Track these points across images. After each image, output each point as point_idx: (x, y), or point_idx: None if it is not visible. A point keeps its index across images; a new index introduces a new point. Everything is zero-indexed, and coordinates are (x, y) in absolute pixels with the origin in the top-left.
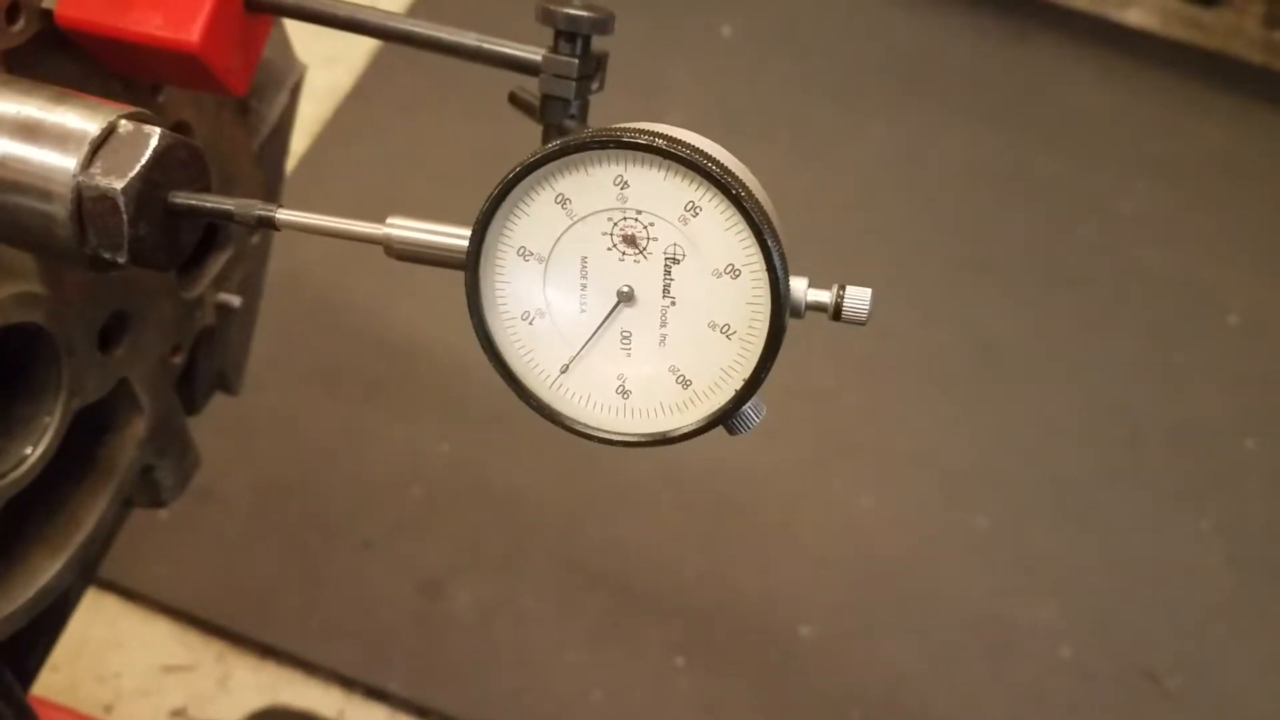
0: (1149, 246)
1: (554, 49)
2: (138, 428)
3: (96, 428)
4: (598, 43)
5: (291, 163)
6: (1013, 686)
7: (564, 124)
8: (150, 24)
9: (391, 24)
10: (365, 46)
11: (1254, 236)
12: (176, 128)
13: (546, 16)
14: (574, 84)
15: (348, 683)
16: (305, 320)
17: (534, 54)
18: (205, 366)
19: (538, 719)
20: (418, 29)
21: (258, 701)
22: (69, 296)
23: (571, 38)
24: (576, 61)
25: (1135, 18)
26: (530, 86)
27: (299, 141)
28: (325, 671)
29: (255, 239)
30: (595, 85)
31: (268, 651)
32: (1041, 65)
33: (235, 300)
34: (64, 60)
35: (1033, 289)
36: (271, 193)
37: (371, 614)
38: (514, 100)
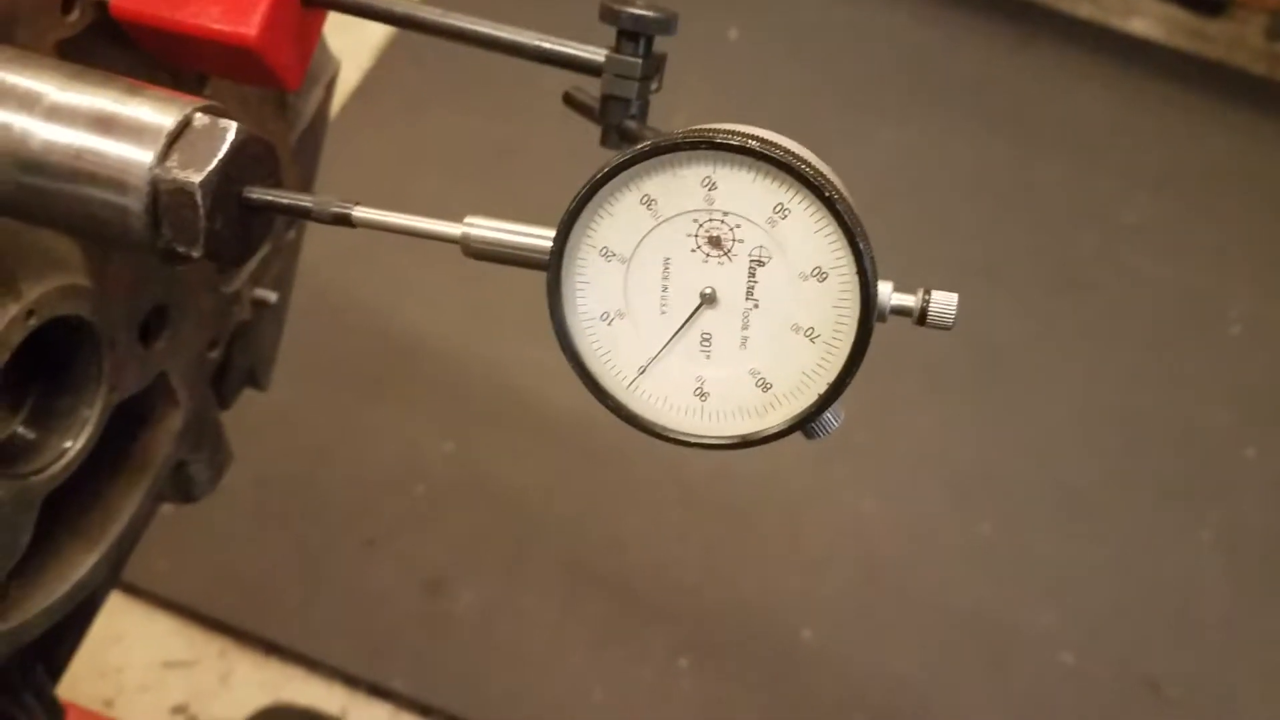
0: (1151, 255)
1: (616, 49)
2: (174, 422)
3: (133, 421)
4: (658, 43)
5: None
6: (1013, 692)
7: (624, 125)
8: (208, 16)
9: (448, 21)
10: (372, 42)
11: (1256, 247)
12: None
13: (610, 15)
14: (636, 84)
15: (351, 680)
16: (309, 316)
17: (596, 54)
18: (239, 361)
19: (540, 717)
20: (475, 27)
21: (260, 698)
22: (112, 290)
23: (635, 37)
24: (640, 62)
25: (1139, 27)
26: (585, 85)
27: None
28: (328, 669)
29: (291, 234)
30: (655, 85)
31: (270, 648)
32: (1046, 72)
33: (272, 296)
34: (113, 50)
35: (1036, 296)
36: (306, 186)
37: (374, 612)
38: (570, 101)
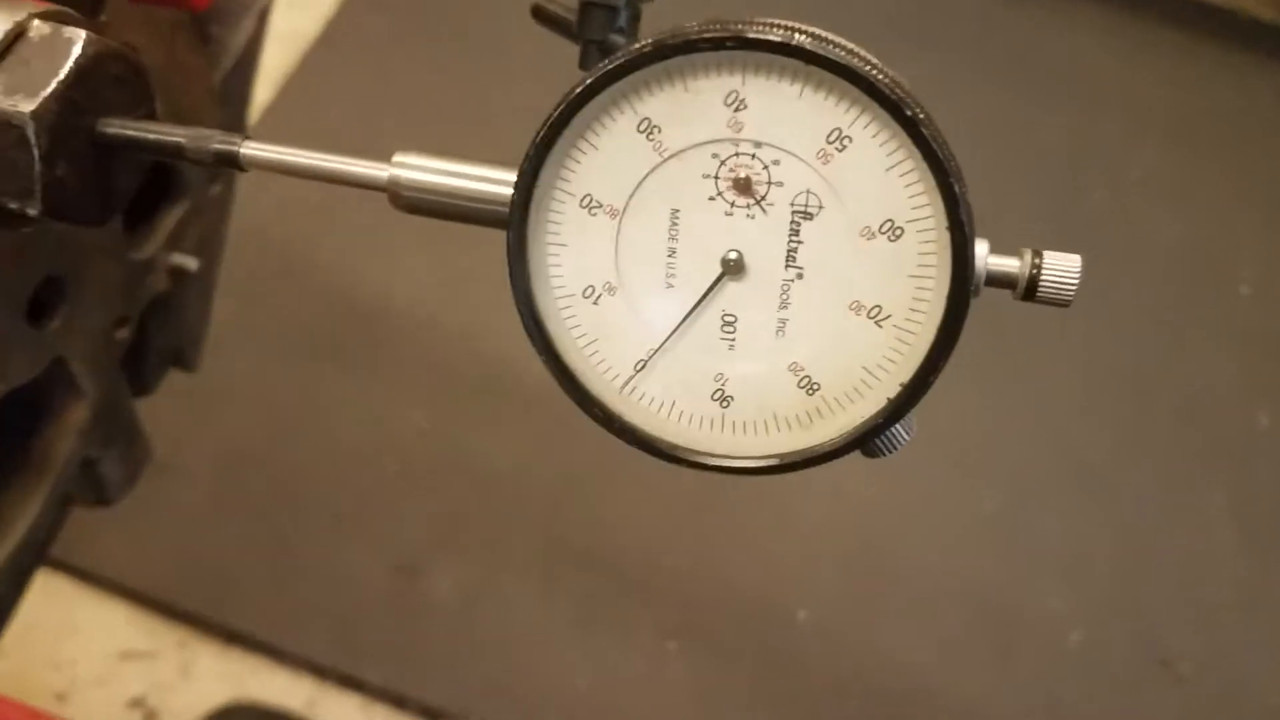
0: (1159, 210)
1: None
2: (77, 415)
3: (27, 416)
4: None
5: (254, 114)
6: (1020, 673)
7: (610, 40)
8: None
9: None
10: None
11: (1266, 201)
12: None
13: None
14: None
15: (319, 670)
16: (266, 278)
17: None
18: (158, 340)
19: (522, 708)
20: None
21: (222, 690)
22: None
23: None
24: None
25: None
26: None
27: (262, 92)
28: (295, 659)
29: (217, 188)
30: None
31: (233, 637)
32: (1049, 19)
33: (192, 263)
34: None
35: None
36: (235, 132)
37: (344, 597)
38: (539, 14)
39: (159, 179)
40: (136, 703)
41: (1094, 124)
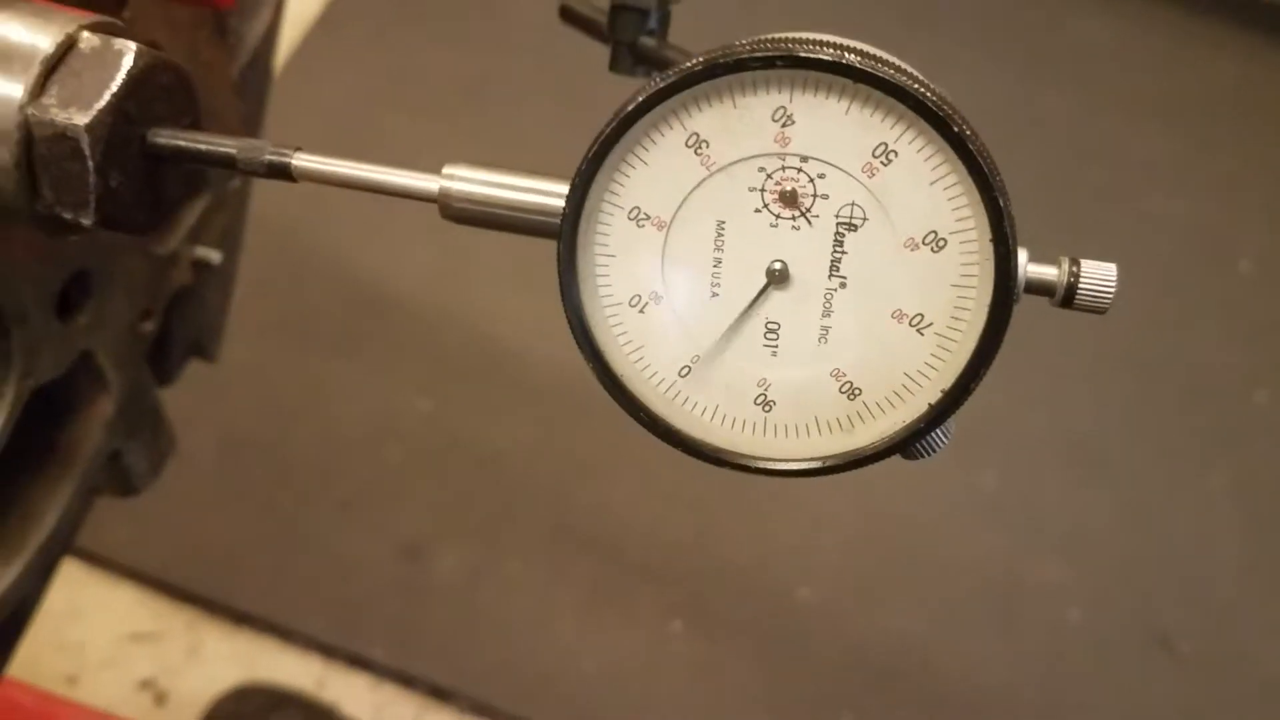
0: (1159, 190)
1: None
2: (104, 408)
3: (55, 409)
4: None
5: None
6: (1020, 650)
7: (641, 43)
8: None
9: None
10: None
11: (1266, 179)
12: None
13: None
14: None
15: (327, 650)
16: (272, 266)
17: None
18: (180, 332)
19: (527, 687)
20: None
21: (231, 671)
22: (18, 255)
23: None
24: None
25: None
26: None
27: None
28: (303, 639)
29: (236, 182)
30: None
31: (241, 618)
32: (1050, 2)
33: (215, 255)
34: None
35: (1040, 234)
36: (252, 127)
37: (350, 579)
38: (568, 15)
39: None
40: (146, 684)
41: (1095, 104)
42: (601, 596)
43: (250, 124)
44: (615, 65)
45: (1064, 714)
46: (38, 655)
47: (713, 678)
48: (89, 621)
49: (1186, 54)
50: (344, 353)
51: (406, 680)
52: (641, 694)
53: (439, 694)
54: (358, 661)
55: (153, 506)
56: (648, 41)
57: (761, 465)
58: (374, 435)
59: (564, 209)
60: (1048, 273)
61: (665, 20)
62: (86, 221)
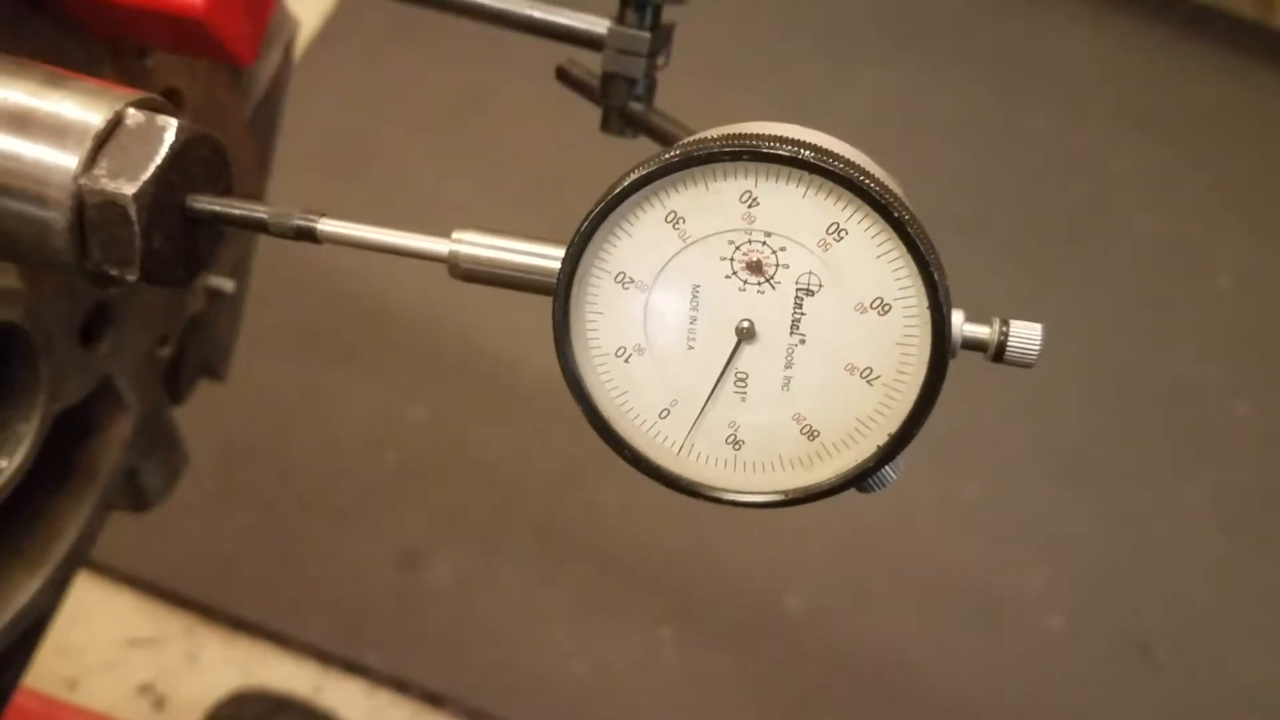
0: (1140, 204)
1: (620, 19)
2: (122, 428)
3: (77, 430)
4: (667, 13)
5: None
6: (1003, 658)
7: (629, 107)
8: None
9: None
10: None
11: (1245, 195)
12: (166, 95)
13: None
14: (644, 61)
15: (324, 656)
16: (270, 278)
17: (596, 25)
18: (192, 355)
19: (520, 692)
20: None
21: (229, 676)
22: (47, 289)
23: (641, 7)
24: (648, 36)
25: None
26: (581, 59)
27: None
28: (300, 645)
29: None
30: (662, 61)
31: (239, 625)
32: (1033, 15)
33: (229, 284)
34: (37, 19)
35: (1023, 246)
36: (263, 163)
37: (347, 585)
38: (564, 77)
39: None
40: (145, 689)
41: (1078, 119)
42: (593, 603)
43: (261, 160)
44: (606, 126)
45: (1045, 719)
46: (38, 659)
47: (702, 683)
48: (89, 626)
49: (1169, 71)
50: (340, 362)
51: (402, 686)
52: (632, 699)
53: (433, 699)
54: (354, 667)
55: (152, 514)
56: (636, 106)
57: (731, 497)
58: (370, 443)
59: (559, 274)
60: (980, 332)
61: (651, 87)
62: (131, 278)
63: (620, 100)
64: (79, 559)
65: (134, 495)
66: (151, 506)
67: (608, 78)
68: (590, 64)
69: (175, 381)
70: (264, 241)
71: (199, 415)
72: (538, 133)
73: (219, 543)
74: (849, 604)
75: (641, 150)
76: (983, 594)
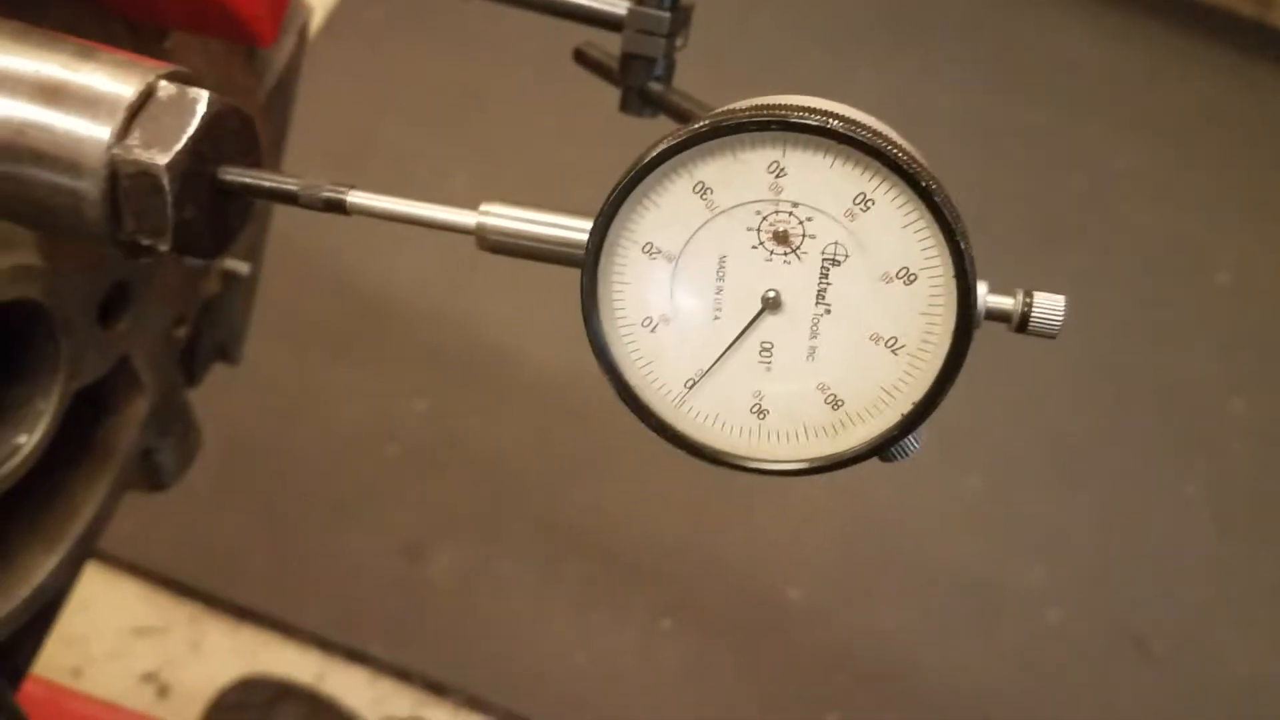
0: (1139, 202)
1: (640, 0)
2: (139, 408)
3: (94, 409)
4: None
5: None
6: (1001, 649)
7: (648, 87)
8: None
9: None
10: None
11: (1244, 193)
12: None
13: None
14: (663, 41)
15: (326, 646)
16: (272, 270)
17: (616, 6)
18: (208, 337)
19: (521, 682)
20: None
21: (233, 665)
22: (67, 267)
23: None
24: (668, 16)
25: None
26: (598, 40)
27: None
28: (303, 634)
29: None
30: (681, 41)
31: (243, 614)
32: (1033, 13)
33: (244, 267)
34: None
35: (1023, 244)
36: (278, 146)
37: (349, 576)
38: (582, 58)
39: None
40: (149, 677)
41: (1077, 117)
42: (594, 594)
43: (275, 144)
44: (625, 107)
45: (1041, 712)
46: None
47: (702, 674)
48: (93, 615)
49: (1168, 69)
50: (343, 355)
51: (404, 675)
52: (632, 689)
53: (435, 688)
54: (356, 656)
55: (157, 504)
56: (655, 86)
57: (755, 466)
58: (372, 436)
59: (587, 244)
60: (1004, 302)
61: (670, 67)
62: (163, 248)
63: (640, 81)
64: (94, 538)
65: (150, 475)
66: (167, 486)
67: (628, 58)
68: (607, 44)
69: (190, 363)
70: (270, 233)
71: (203, 406)
72: (537, 125)
73: (222, 533)
74: (849, 597)
75: (647, 134)
76: (981, 587)
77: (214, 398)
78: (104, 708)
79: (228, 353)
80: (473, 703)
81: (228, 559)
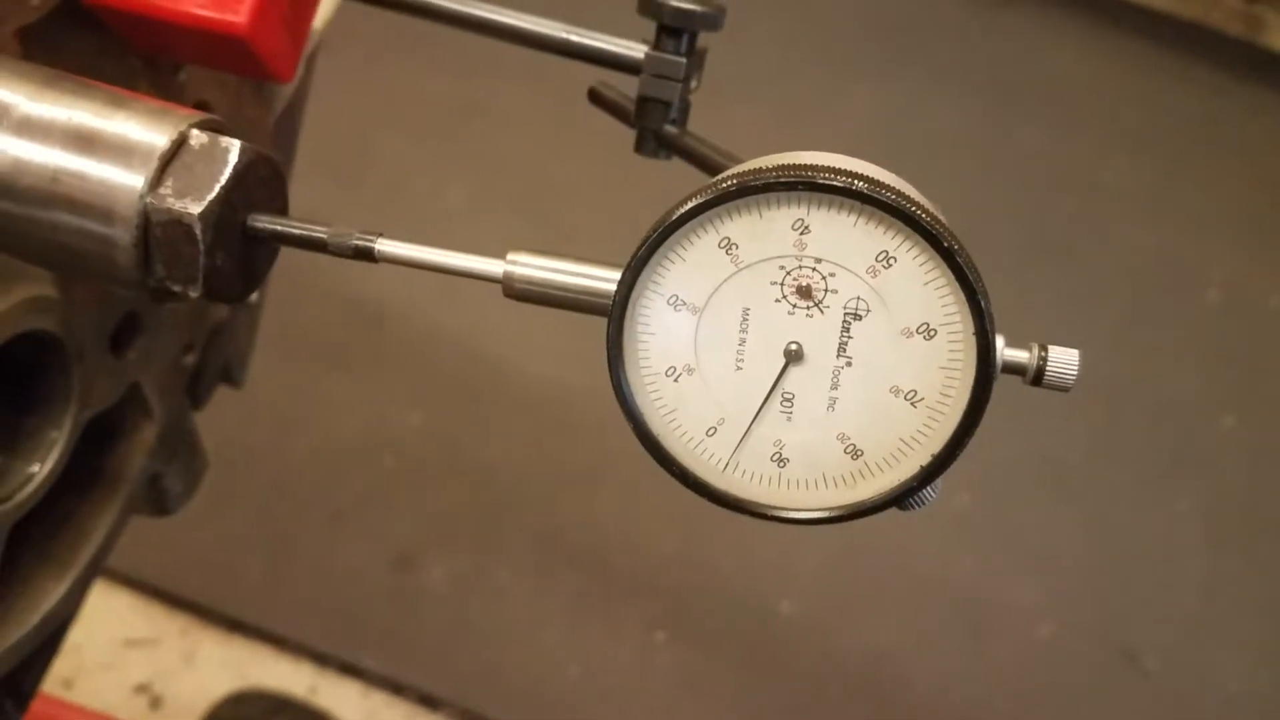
0: (1129, 219)
1: (657, 45)
2: (148, 434)
3: (103, 436)
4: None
5: None
6: (992, 665)
7: (663, 130)
8: (193, 2)
9: (467, 10)
10: None
11: (1233, 210)
12: (198, 107)
13: (652, 9)
14: (679, 86)
15: (319, 658)
16: (270, 283)
17: (634, 50)
18: (214, 362)
19: (515, 695)
20: (497, 17)
21: (225, 677)
22: (80, 298)
23: (678, 34)
24: (684, 61)
25: None
26: (611, 80)
27: None
28: (296, 646)
29: None
30: (694, 84)
31: (235, 626)
32: (1024, 33)
33: (253, 294)
34: (80, 36)
35: (1013, 260)
36: (284, 171)
37: (343, 588)
38: (596, 99)
39: None
40: (142, 688)
41: (1068, 135)
42: (587, 607)
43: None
44: (640, 148)
45: None
46: None
47: (695, 687)
48: (85, 626)
49: (1157, 88)
50: (338, 367)
51: (397, 688)
52: (625, 702)
53: (428, 701)
54: (349, 669)
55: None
56: (670, 129)
57: (775, 514)
58: (367, 448)
59: (614, 296)
60: (1020, 356)
61: (685, 110)
62: (194, 294)
63: (656, 123)
64: (101, 563)
65: (156, 500)
66: (172, 511)
67: (643, 101)
68: (620, 84)
69: (196, 387)
70: None
71: (198, 418)
72: (533, 142)
73: (216, 544)
74: (841, 611)
75: (663, 171)
76: (973, 603)
77: (209, 409)
78: (96, 719)
79: (231, 375)
80: (466, 716)
81: (221, 571)
